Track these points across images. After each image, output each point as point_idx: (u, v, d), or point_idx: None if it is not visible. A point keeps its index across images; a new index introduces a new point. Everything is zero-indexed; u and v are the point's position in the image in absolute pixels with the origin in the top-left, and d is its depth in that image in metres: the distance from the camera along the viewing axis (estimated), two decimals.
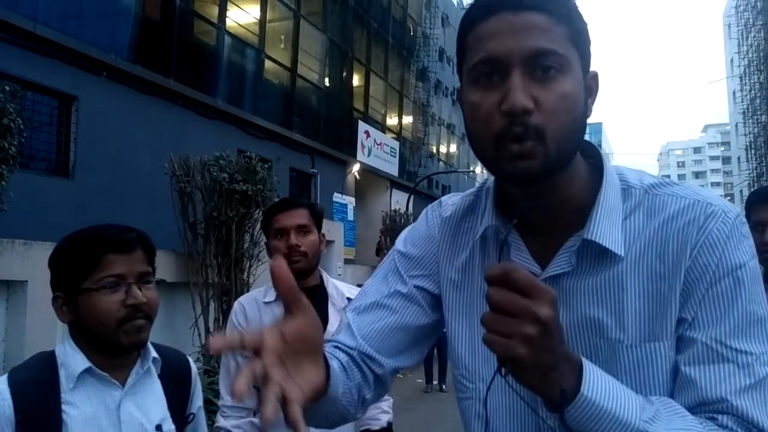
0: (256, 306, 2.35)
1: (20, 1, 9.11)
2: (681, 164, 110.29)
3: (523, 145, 0.85)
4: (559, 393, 0.79)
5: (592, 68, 0.96)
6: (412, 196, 20.87)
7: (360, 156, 19.64)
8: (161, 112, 11.59)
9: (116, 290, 1.41)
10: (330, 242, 11.26)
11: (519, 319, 0.74)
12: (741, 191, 50.17)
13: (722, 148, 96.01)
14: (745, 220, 0.95)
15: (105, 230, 1.46)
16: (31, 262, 6.46)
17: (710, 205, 0.92)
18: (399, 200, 21.14)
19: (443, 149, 30.35)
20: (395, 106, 24.21)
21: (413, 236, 1.14)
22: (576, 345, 0.93)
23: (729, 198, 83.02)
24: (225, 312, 7.29)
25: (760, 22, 34.30)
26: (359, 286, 2.47)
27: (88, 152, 9.90)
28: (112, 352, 1.45)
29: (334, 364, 0.97)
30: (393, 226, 16.95)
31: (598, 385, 0.80)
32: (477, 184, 1.14)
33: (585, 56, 0.92)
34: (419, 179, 23.48)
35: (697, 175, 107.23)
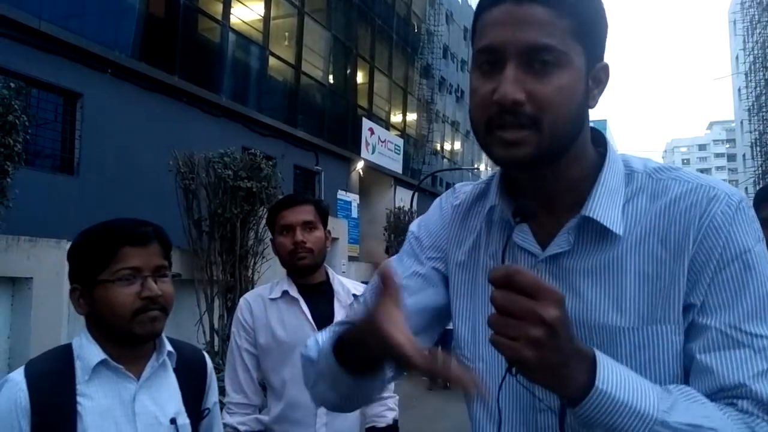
0: (262, 303, 2.34)
1: None
2: (686, 161, 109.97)
3: (517, 133, 0.87)
4: (580, 388, 0.78)
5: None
6: (416, 194, 20.86)
7: (364, 153, 19.63)
8: (166, 110, 11.60)
9: (132, 282, 1.43)
10: (334, 239, 11.26)
11: (525, 321, 0.74)
12: (746, 188, 49.98)
13: (727, 145, 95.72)
14: (750, 203, 0.94)
15: (122, 224, 1.48)
16: (37, 259, 6.47)
17: (713, 188, 0.92)
18: (403, 198, 21.13)
19: (447, 146, 30.31)
20: (399, 104, 24.18)
21: (427, 221, 1.16)
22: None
23: None
24: (230, 309, 7.29)
25: (766, 19, 34.15)
26: (365, 283, 2.47)
27: (93, 149, 9.92)
28: (127, 342, 1.47)
29: None
30: (397, 224, 16.96)
31: (614, 377, 0.79)
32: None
33: (593, 48, 0.92)
34: (423, 176, 23.46)
35: (702, 172, 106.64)
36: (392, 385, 2.52)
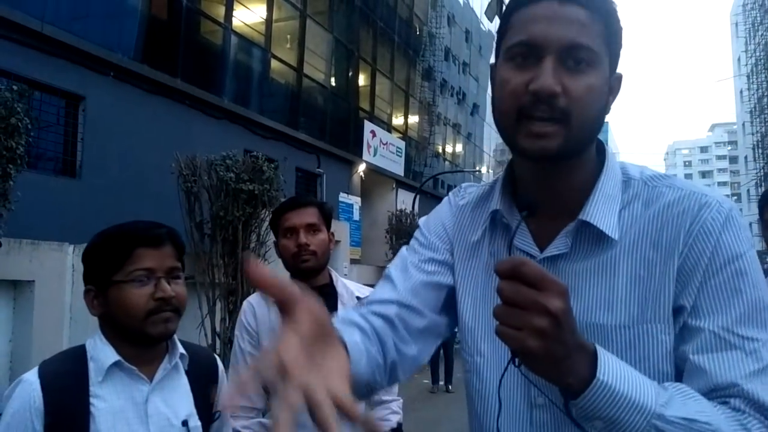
0: (266, 306, 2.33)
1: (28, 1, 9.13)
2: (688, 163, 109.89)
3: (546, 126, 0.91)
4: (582, 380, 0.81)
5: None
6: (417, 196, 20.85)
7: (366, 156, 19.63)
8: (168, 112, 11.61)
9: (146, 283, 1.45)
10: (336, 242, 11.25)
11: (530, 311, 0.76)
12: (748, 191, 49.90)
13: (729, 148, 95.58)
14: (739, 213, 0.97)
15: (137, 225, 1.50)
16: (39, 262, 6.47)
17: (705, 196, 0.96)
18: (405, 200, 21.12)
19: (449, 149, 30.29)
20: (401, 106, 24.18)
21: (437, 216, 1.20)
22: None
23: (736, 197, 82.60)
24: (231, 312, 7.28)
25: None
26: (371, 286, 2.46)
27: (95, 152, 9.92)
28: (141, 343, 1.48)
29: (355, 338, 0.96)
30: (399, 226, 16.94)
31: (614, 370, 0.82)
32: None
33: (614, 57, 0.97)
34: (425, 179, 23.45)
35: (704, 174, 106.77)
36: (396, 388, 2.51)
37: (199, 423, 1.55)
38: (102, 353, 1.46)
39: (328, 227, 2.35)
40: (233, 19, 14.06)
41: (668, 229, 0.95)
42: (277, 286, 0.74)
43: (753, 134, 39.45)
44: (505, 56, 0.97)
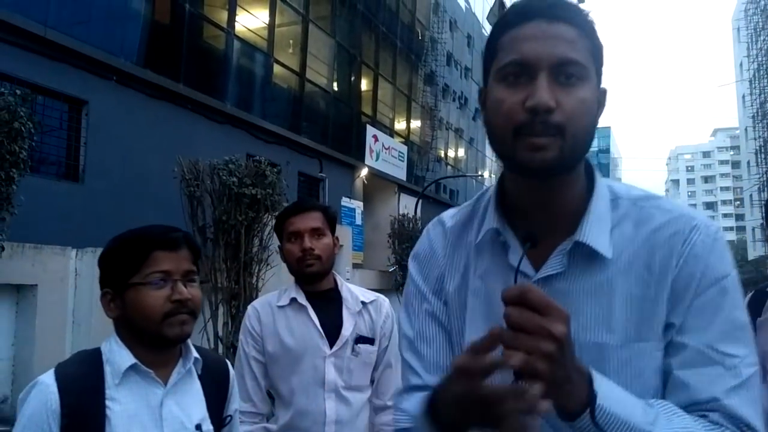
0: (270, 310, 2.32)
1: (31, 6, 9.16)
2: (690, 168, 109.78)
3: (542, 139, 0.93)
4: (580, 403, 0.85)
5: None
6: (420, 201, 20.84)
7: (368, 160, 19.63)
8: (171, 117, 11.62)
9: (163, 286, 1.47)
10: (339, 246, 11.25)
11: (536, 336, 0.79)
12: (751, 195, 49.84)
13: (732, 153, 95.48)
14: (723, 234, 1.03)
15: (154, 229, 1.53)
16: (42, 266, 6.47)
17: (693, 218, 1.01)
18: (407, 204, 21.11)
19: (451, 153, 30.30)
20: (403, 111, 24.20)
21: (420, 255, 1.20)
22: None
23: (739, 202, 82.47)
24: (234, 316, 7.27)
25: None
26: (374, 290, 2.45)
27: (98, 156, 9.93)
28: (157, 345, 1.49)
29: None
30: (401, 231, 16.91)
31: (608, 393, 0.87)
32: (485, 188, 1.21)
33: (600, 72, 1.01)
34: (427, 184, 23.45)
35: (707, 179, 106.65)
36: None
37: (211, 427, 1.56)
38: (118, 356, 1.47)
39: (333, 231, 2.34)
40: (236, 24, 14.09)
41: (661, 250, 0.99)
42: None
43: (755, 139, 39.40)
44: (496, 77, 0.99)
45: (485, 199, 1.14)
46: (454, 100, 29.71)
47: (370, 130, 20.12)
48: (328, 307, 2.30)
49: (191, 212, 7.56)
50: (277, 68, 15.80)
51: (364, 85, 20.97)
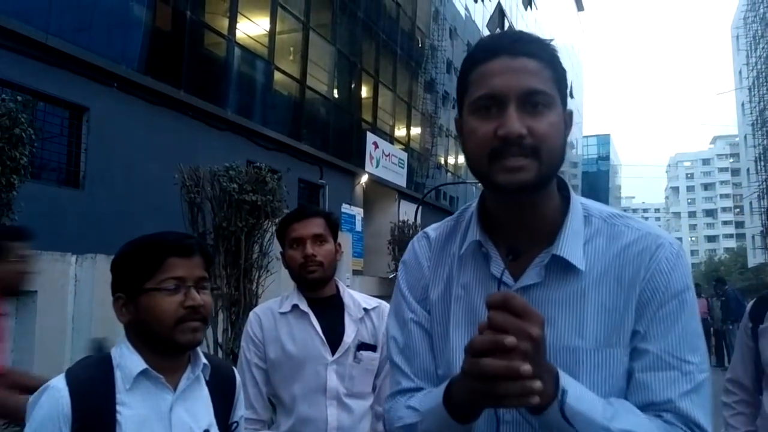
0: (272, 316, 2.31)
1: (32, 13, 9.18)
2: (690, 176, 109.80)
3: (520, 161, 1.03)
4: (547, 397, 0.94)
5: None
6: (420, 207, 20.84)
7: (368, 167, 19.65)
8: (171, 123, 11.64)
9: (176, 292, 1.48)
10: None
11: (516, 337, 0.89)
12: (750, 203, 49.84)
13: (731, 160, 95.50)
14: (684, 251, 1.15)
15: (168, 236, 1.55)
16: (41, 272, 6.45)
17: (659, 237, 1.13)
18: (407, 211, 21.11)
19: (451, 160, 30.34)
20: (403, 118, 24.24)
21: (407, 267, 1.31)
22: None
23: (739, 210, 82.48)
24: (234, 323, 7.25)
25: None
26: (378, 297, 2.44)
27: (99, 163, 9.94)
28: (168, 351, 1.51)
29: None
30: (401, 237, 16.90)
31: (573, 390, 0.97)
32: (467, 204, 1.31)
33: (563, 96, 1.12)
34: (427, 190, 23.46)
35: (706, 186, 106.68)
36: None
37: None
38: (130, 361, 1.48)
39: (335, 238, 2.33)
40: (237, 31, 14.12)
41: (630, 265, 1.10)
42: None
43: (755, 147, 39.44)
44: (469, 110, 1.10)
45: (468, 214, 1.24)
46: (454, 107, 29.73)
47: (371, 137, 20.14)
48: (330, 313, 2.29)
49: (191, 219, 7.55)
50: (277, 75, 15.83)
51: (365, 92, 21.00)
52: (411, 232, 16.99)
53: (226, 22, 13.87)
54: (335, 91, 19.09)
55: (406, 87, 24.35)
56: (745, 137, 48.69)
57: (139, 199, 10.15)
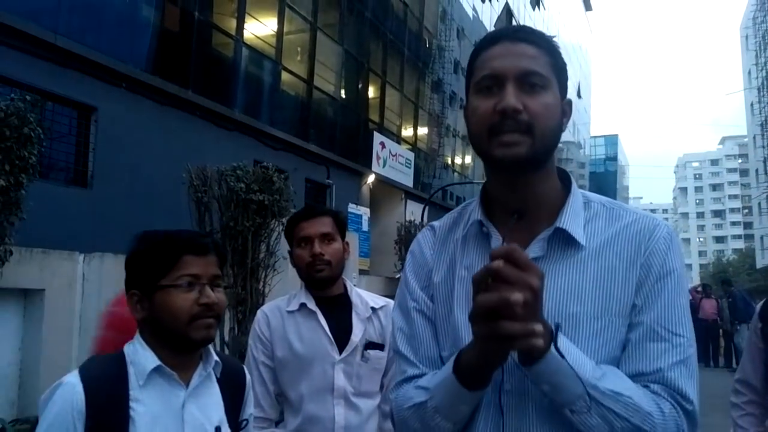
0: (280, 315, 2.31)
1: (41, 13, 9.23)
2: (698, 176, 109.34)
3: (515, 136, 1.12)
4: (541, 350, 1.01)
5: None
6: (427, 207, 20.83)
7: (375, 167, 19.64)
8: (179, 123, 11.67)
9: (191, 289, 1.50)
10: None
11: (516, 286, 0.95)
12: (759, 204, 49.56)
13: (740, 161, 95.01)
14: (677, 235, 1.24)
15: (183, 234, 1.58)
16: (49, 271, 6.48)
17: (655, 219, 1.23)
18: (414, 211, 21.10)
19: (458, 160, 30.30)
20: (410, 118, 24.22)
21: (412, 257, 1.37)
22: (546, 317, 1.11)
23: (747, 211, 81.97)
24: (240, 322, 7.26)
25: None
26: (386, 296, 2.44)
27: (107, 162, 9.97)
28: (182, 348, 1.52)
29: None
30: (408, 237, 16.89)
31: (564, 346, 1.04)
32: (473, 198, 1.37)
33: (563, 85, 1.21)
34: (434, 190, 23.44)
35: (715, 187, 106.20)
36: None
37: (229, 430, 1.59)
38: (143, 358, 1.50)
39: (343, 237, 2.33)
40: (244, 31, 14.14)
41: (630, 243, 1.18)
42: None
43: (764, 147, 39.25)
44: (473, 90, 1.20)
45: (471, 206, 1.31)
46: (461, 107, 29.65)
47: (377, 137, 20.14)
48: (338, 312, 2.28)
49: (199, 218, 7.57)
50: (285, 75, 15.85)
51: (372, 92, 21.00)
52: (417, 232, 16.94)
53: (233, 23, 13.90)
54: (342, 91, 19.09)
55: (414, 87, 24.34)
56: (754, 138, 48.41)
57: (146, 199, 10.18)
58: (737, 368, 2.74)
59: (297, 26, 16.64)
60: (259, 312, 2.37)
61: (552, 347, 1.02)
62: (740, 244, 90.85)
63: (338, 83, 18.78)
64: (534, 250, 1.18)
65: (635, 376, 1.11)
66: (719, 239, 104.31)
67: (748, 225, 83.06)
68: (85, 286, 6.86)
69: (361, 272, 15.31)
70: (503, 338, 0.97)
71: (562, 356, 1.02)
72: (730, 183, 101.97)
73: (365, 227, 18.92)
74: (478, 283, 0.98)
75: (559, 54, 1.21)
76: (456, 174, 29.62)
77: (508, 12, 33.76)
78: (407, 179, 22.23)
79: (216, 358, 1.60)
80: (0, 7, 8.54)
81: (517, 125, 1.11)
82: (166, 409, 1.48)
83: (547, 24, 43.84)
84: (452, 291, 1.26)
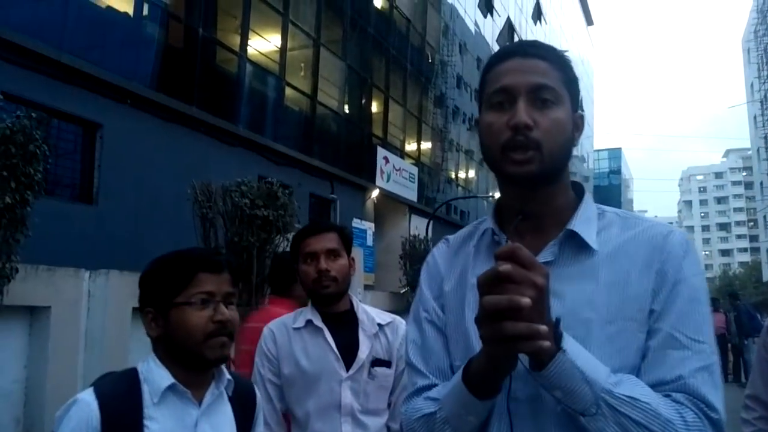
0: (286, 332, 2.29)
1: (46, 30, 9.30)
2: (702, 189, 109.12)
3: (524, 154, 1.12)
4: (544, 354, 0.98)
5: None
6: (431, 222, 20.81)
7: (379, 181, 19.66)
8: (184, 139, 11.71)
9: (206, 306, 1.50)
10: None
11: (521, 285, 0.95)
12: (765, 216, 49.39)
13: (744, 173, 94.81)
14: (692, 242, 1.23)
15: (198, 252, 1.60)
16: (55, 288, 6.47)
17: (669, 226, 1.22)
18: (418, 226, 21.07)
19: (462, 175, 30.30)
20: (414, 132, 24.27)
21: (427, 271, 1.37)
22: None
23: (752, 223, 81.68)
24: None
25: None
26: (394, 313, 2.42)
27: (112, 179, 10.00)
28: (196, 366, 1.52)
29: None
30: (412, 252, 16.86)
31: (575, 349, 1.01)
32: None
33: (574, 99, 1.22)
34: (438, 205, 23.43)
35: (719, 200, 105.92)
36: None
37: None
38: (158, 376, 1.50)
39: (348, 252, 2.32)
40: (248, 47, 14.23)
41: (644, 248, 1.16)
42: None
43: None
44: (486, 105, 1.20)
45: (486, 223, 1.32)
46: (464, 121, 29.77)
47: (381, 152, 20.17)
48: (344, 329, 2.27)
49: (203, 234, 7.59)
50: (288, 91, 15.92)
51: (375, 107, 21.07)
52: (422, 246, 16.95)
53: (237, 39, 13.99)
54: (346, 107, 19.16)
55: (416, 102, 24.41)
56: (758, 150, 48.35)
57: (151, 215, 10.20)
58: (747, 383, 2.71)
59: (300, 42, 16.74)
60: (265, 329, 2.35)
61: (564, 350, 0.99)
62: (746, 257, 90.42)
63: (341, 98, 18.85)
64: (544, 255, 1.17)
65: (656, 385, 1.06)
66: (725, 252, 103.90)
67: (753, 238, 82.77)
68: (91, 303, 6.86)
69: (366, 287, 15.27)
70: (508, 339, 0.95)
71: (563, 351, 0.99)
72: (735, 196, 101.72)
73: (370, 242, 18.90)
74: (483, 285, 0.97)
75: (571, 68, 1.22)
76: (460, 188, 29.61)
77: (510, 27, 33.89)
78: (411, 194, 22.24)
79: (228, 376, 1.61)
80: (6, 24, 8.62)
81: (527, 142, 1.12)
82: (179, 428, 1.48)
83: (548, 38, 43.99)
84: (464, 299, 1.25)
